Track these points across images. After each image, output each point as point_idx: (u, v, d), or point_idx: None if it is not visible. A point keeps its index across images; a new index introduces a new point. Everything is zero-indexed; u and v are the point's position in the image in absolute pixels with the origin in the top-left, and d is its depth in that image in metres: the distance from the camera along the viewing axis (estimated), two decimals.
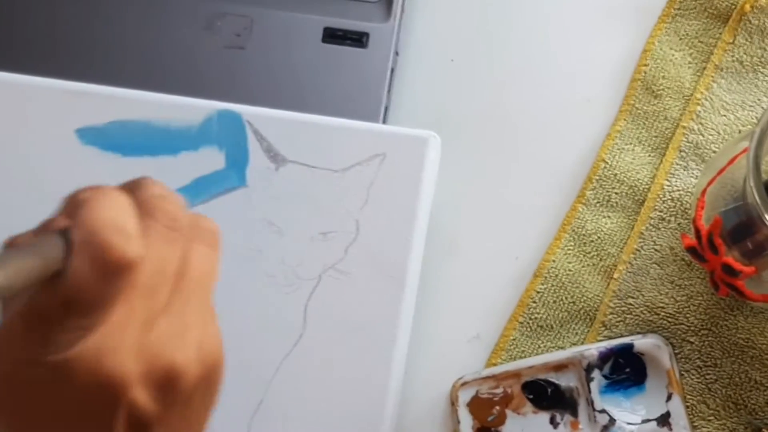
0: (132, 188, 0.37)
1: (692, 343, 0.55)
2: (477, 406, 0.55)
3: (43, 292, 0.34)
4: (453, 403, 0.55)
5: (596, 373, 0.54)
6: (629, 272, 0.56)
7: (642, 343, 0.54)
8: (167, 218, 0.36)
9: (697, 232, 0.50)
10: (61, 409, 0.35)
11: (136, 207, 0.36)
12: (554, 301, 0.57)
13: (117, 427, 0.35)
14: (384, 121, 0.57)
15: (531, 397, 0.55)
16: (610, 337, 0.55)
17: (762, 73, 0.57)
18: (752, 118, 0.56)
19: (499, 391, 0.55)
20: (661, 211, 0.56)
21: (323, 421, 0.52)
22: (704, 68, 0.58)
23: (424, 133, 0.54)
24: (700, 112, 0.57)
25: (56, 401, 0.34)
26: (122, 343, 0.34)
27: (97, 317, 0.34)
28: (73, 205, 0.35)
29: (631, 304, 0.55)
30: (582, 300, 0.56)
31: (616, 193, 0.57)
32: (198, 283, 0.37)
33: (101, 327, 0.34)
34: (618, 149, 0.58)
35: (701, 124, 0.57)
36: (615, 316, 0.55)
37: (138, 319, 0.35)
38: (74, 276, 0.33)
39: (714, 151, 0.56)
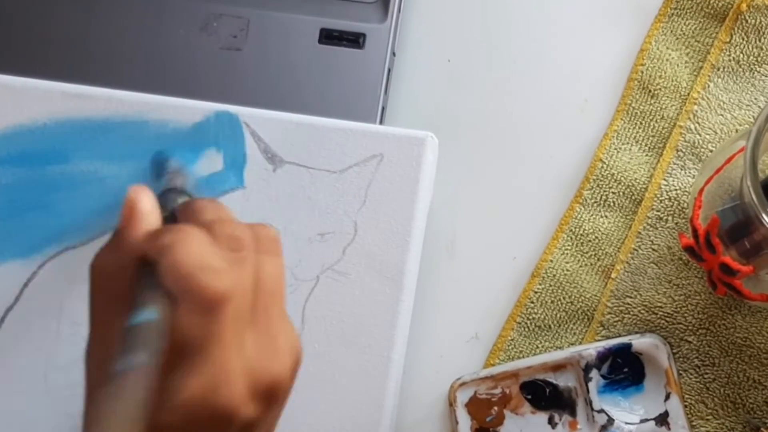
0: (192, 216, 0.40)
1: (690, 342, 0.55)
2: (475, 406, 0.55)
3: None
4: (451, 403, 0.55)
5: (594, 373, 0.54)
6: (627, 272, 0.56)
7: (640, 342, 0.54)
8: (233, 242, 0.38)
9: (695, 231, 0.50)
10: None
11: (209, 238, 0.38)
12: (552, 301, 0.57)
13: None
14: (381, 122, 0.57)
15: (529, 397, 0.55)
16: (608, 337, 0.55)
17: (759, 72, 0.57)
18: (749, 117, 0.57)
19: (498, 391, 0.55)
20: (658, 211, 0.56)
21: (321, 422, 0.52)
22: (701, 67, 0.58)
23: (421, 134, 0.54)
24: (696, 111, 0.57)
25: None
26: (227, 372, 0.36)
27: (204, 354, 0.36)
28: (158, 251, 0.37)
29: (628, 304, 0.55)
30: (580, 300, 0.56)
31: (613, 193, 0.57)
32: (272, 293, 0.39)
33: (208, 362, 0.36)
34: (615, 149, 0.58)
35: (698, 123, 0.57)
36: (613, 315, 0.55)
37: (234, 345, 0.36)
38: (179, 323, 0.35)
39: (711, 151, 0.56)
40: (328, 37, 0.58)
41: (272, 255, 0.40)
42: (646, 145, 0.58)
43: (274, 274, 0.40)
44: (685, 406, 0.54)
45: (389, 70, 0.58)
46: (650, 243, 0.56)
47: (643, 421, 0.54)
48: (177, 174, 0.51)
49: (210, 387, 0.35)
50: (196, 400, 0.35)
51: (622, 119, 0.58)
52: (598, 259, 0.57)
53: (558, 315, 0.56)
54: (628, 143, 0.58)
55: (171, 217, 0.44)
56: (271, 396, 0.38)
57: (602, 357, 0.54)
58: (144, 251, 0.38)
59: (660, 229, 0.56)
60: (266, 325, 0.38)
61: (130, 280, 0.38)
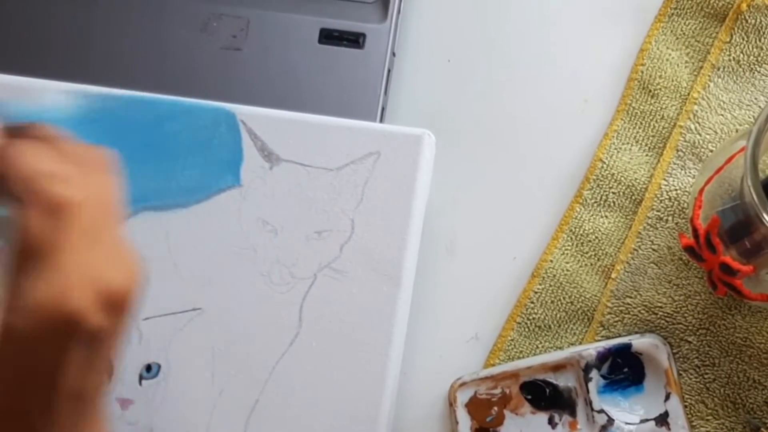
0: (23, 134, 0.40)
1: (690, 342, 0.55)
2: (475, 406, 0.55)
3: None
4: (451, 403, 0.55)
5: (594, 373, 0.54)
6: (627, 272, 0.56)
7: (640, 342, 0.54)
8: (78, 158, 0.39)
9: (695, 231, 0.50)
10: (22, 348, 0.37)
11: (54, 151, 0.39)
12: (552, 302, 0.56)
13: (74, 350, 0.37)
14: (381, 122, 0.57)
15: (529, 397, 0.55)
16: (608, 337, 0.55)
17: (759, 71, 0.57)
18: (749, 117, 0.56)
19: (498, 391, 0.55)
20: (658, 211, 0.56)
21: (319, 421, 0.52)
22: (701, 67, 0.58)
23: (418, 131, 0.54)
24: (697, 111, 0.57)
25: (21, 344, 0.37)
26: (75, 278, 0.37)
27: (51, 259, 0.37)
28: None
29: (629, 304, 0.55)
30: (580, 300, 0.56)
31: (613, 193, 0.57)
32: (111, 210, 0.40)
33: (55, 267, 0.37)
34: (615, 149, 0.58)
35: (698, 123, 0.57)
36: (613, 315, 0.55)
37: (82, 254, 0.37)
38: (28, 225, 0.36)
39: (711, 150, 0.56)
40: (328, 37, 0.58)
41: (107, 174, 0.41)
42: (646, 145, 0.58)
43: (110, 193, 0.40)
44: (685, 407, 0.54)
45: (389, 71, 0.58)
46: (650, 243, 0.56)
47: (643, 421, 0.54)
48: None
49: (59, 292, 0.36)
50: (45, 304, 0.36)
51: (622, 119, 0.58)
52: (598, 259, 0.57)
53: (558, 315, 0.56)
54: (628, 143, 0.58)
55: None
56: (117, 307, 0.38)
57: (602, 357, 0.54)
58: None
59: (660, 229, 0.56)
60: (108, 238, 0.39)
61: None
